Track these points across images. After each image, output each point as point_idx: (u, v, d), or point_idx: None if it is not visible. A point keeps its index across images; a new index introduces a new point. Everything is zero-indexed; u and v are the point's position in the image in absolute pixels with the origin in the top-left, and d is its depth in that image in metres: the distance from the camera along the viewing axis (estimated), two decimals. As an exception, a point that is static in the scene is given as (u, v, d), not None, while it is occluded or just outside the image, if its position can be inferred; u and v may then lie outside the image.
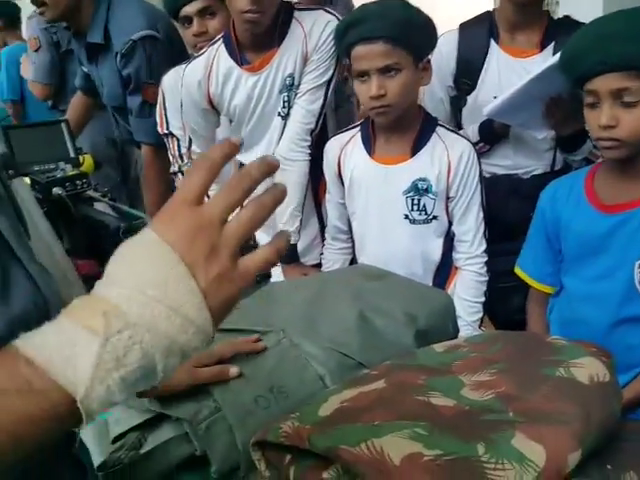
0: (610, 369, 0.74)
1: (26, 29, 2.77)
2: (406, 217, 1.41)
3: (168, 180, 1.98)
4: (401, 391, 0.73)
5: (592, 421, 0.66)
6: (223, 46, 1.59)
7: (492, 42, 1.57)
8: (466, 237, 1.43)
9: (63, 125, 1.64)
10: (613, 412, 0.71)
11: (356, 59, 1.34)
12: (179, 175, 1.85)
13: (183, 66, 1.69)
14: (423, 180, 1.38)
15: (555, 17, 1.69)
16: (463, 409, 0.69)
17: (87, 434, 0.82)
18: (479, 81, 1.58)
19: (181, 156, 1.83)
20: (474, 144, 1.52)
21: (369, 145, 1.44)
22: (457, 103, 1.65)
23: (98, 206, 1.57)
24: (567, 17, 1.59)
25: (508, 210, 1.59)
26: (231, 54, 1.58)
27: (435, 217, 1.41)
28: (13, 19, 3.43)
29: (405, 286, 1.11)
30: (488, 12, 1.63)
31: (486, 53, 1.56)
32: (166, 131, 1.87)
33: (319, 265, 1.64)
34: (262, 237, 1.71)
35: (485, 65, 1.57)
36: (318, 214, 1.72)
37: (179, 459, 0.75)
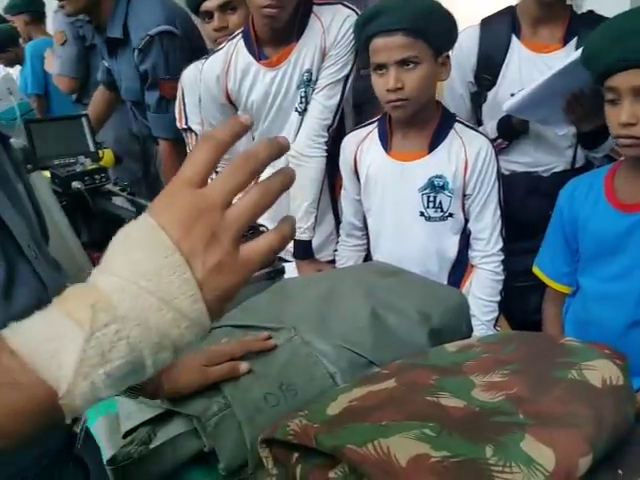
0: (624, 372, 0.73)
1: (52, 23, 2.79)
2: (422, 214, 1.40)
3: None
4: (411, 391, 0.72)
5: (604, 425, 0.65)
6: (242, 41, 1.59)
7: (513, 37, 1.55)
8: (482, 235, 1.41)
9: (84, 120, 1.66)
10: (626, 416, 0.69)
11: (374, 51, 1.33)
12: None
13: (202, 61, 1.70)
14: (439, 177, 1.37)
15: (581, 11, 1.66)
16: (473, 410, 0.68)
17: (99, 428, 0.84)
18: (500, 77, 1.57)
19: (200, 151, 1.84)
20: (493, 140, 1.50)
21: (386, 141, 1.43)
22: (477, 99, 1.64)
23: (117, 200, 1.59)
24: (591, 12, 1.57)
25: (527, 208, 1.58)
26: (249, 49, 1.58)
27: (451, 214, 1.40)
28: (38, 14, 3.47)
29: (419, 284, 1.10)
30: (510, 7, 1.61)
31: (507, 48, 1.55)
32: (185, 126, 1.89)
33: (335, 261, 1.64)
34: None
35: (506, 60, 1.55)
36: (334, 210, 1.72)
37: (188, 455, 0.75)
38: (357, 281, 1.05)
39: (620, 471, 0.65)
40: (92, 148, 1.65)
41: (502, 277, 1.43)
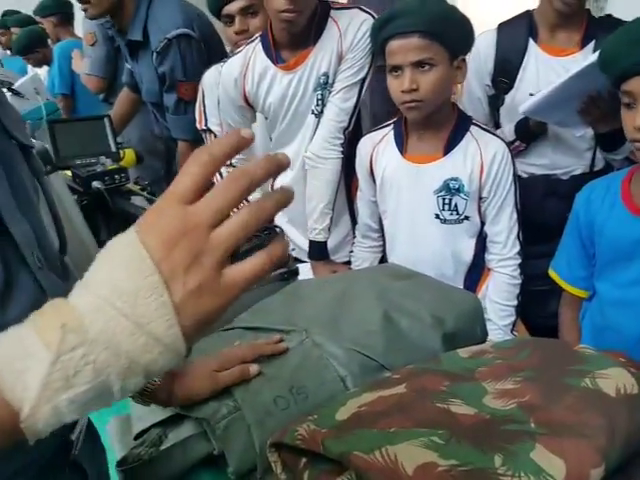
0: (639, 381, 0.72)
1: (83, 24, 2.84)
2: (437, 217, 1.39)
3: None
4: (421, 397, 0.72)
5: (617, 435, 0.64)
6: (260, 45, 1.61)
7: (531, 41, 1.55)
8: (499, 238, 1.40)
9: (106, 120, 1.68)
10: (640, 426, 0.68)
11: (390, 54, 1.33)
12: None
13: (222, 64, 1.72)
14: (455, 180, 1.36)
15: (603, 13, 1.65)
16: (483, 418, 0.68)
17: (111, 430, 0.85)
18: (517, 80, 1.56)
19: (217, 151, 1.85)
20: (510, 143, 1.49)
21: (401, 143, 1.43)
22: (495, 102, 1.63)
23: (136, 199, 1.61)
24: (609, 15, 1.56)
25: (545, 211, 1.57)
26: (267, 53, 1.59)
27: (467, 217, 1.39)
28: (67, 16, 3.54)
29: (433, 287, 1.09)
30: (527, 12, 1.60)
31: (524, 52, 1.55)
32: (204, 127, 1.90)
33: (350, 262, 1.64)
34: (291, 231, 1.73)
35: (523, 64, 1.55)
36: (350, 211, 1.72)
37: (197, 458, 0.75)
38: (370, 284, 1.04)
39: (633, 483, 0.64)
40: (113, 148, 1.66)
41: (519, 281, 1.41)
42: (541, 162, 1.58)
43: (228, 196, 0.40)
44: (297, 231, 1.74)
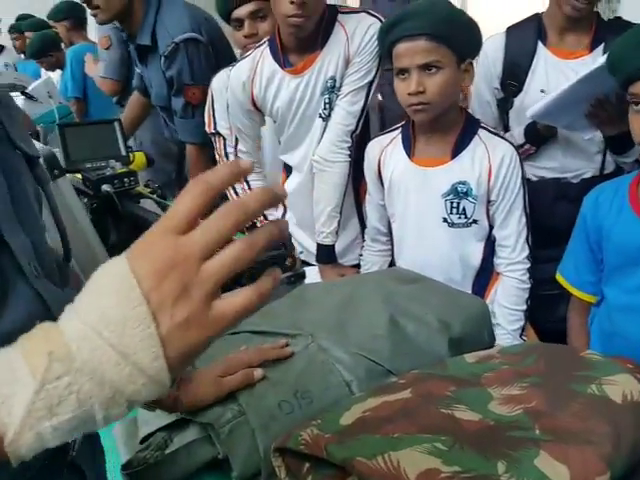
0: (646, 388, 0.71)
1: (98, 28, 2.87)
2: (445, 220, 1.38)
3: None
4: (426, 402, 0.72)
5: (623, 442, 0.63)
6: (268, 49, 1.61)
7: (539, 44, 1.55)
8: (507, 242, 1.39)
9: (116, 124, 1.69)
10: (647, 433, 0.68)
11: (397, 56, 1.33)
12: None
13: (231, 68, 1.72)
14: (463, 183, 1.35)
15: (615, 15, 1.64)
16: (488, 424, 0.67)
17: (117, 433, 0.85)
18: (526, 83, 1.56)
19: (227, 155, 1.86)
20: (519, 146, 1.48)
21: (409, 147, 1.42)
22: (504, 105, 1.63)
23: (145, 202, 1.61)
24: (618, 18, 1.55)
25: (555, 215, 1.56)
26: (275, 57, 1.59)
27: (475, 221, 1.38)
28: (80, 20, 3.58)
29: (440, 292, 1.09)
30: (536, 15, 1.60)
31: (533, 55, 1.54)
32: (213, 130, 1.91)
33: (359, 265, 1.64)
34: (299, 234, 1.74)
35: (532, 67, 1.55)
36: (359, 214, 1.72)
37: (202, 461, 0.75)
38: (377, 287, 1.04)
39: (639, 490, 0.63)
40: (123, 152, 1.67)
41: (528, 285, 1.40)
42: (551, 165, 1.57)
43: (221, 229, 0.40)
44: (305, 234, 1.74)
